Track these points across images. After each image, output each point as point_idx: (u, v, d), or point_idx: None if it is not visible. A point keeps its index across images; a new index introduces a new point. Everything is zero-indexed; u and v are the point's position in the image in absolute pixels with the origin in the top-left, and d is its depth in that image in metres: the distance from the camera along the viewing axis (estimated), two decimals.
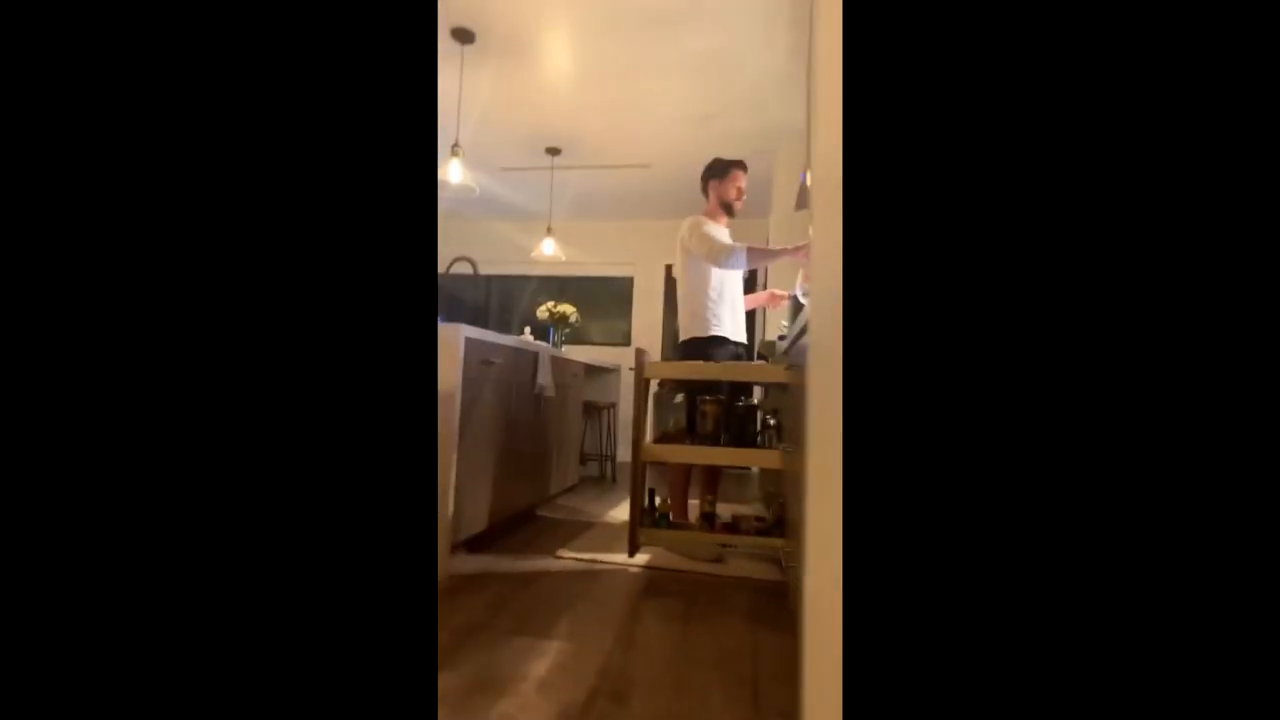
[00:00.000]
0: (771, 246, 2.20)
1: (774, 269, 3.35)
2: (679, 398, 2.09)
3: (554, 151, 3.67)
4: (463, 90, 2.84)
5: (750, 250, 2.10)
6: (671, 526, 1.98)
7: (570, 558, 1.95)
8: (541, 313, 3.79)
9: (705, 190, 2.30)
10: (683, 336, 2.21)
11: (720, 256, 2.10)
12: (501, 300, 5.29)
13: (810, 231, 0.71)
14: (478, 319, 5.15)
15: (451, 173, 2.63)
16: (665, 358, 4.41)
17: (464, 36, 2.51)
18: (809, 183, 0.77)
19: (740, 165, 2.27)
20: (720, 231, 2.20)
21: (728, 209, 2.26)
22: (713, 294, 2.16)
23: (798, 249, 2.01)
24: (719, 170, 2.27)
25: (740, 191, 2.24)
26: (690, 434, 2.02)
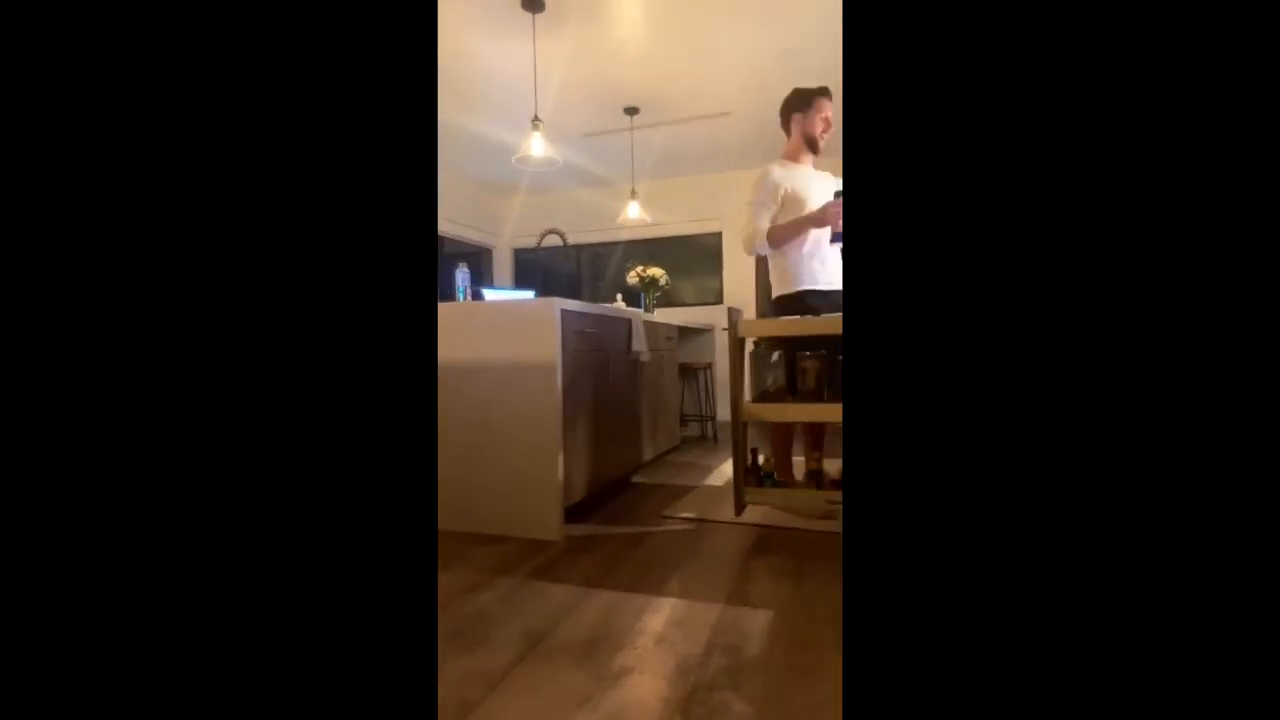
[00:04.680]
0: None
1: None
2: (775, 356, 2.03)
3: (632, 111, 3.61)
4: (537, 60, 2.85)
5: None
6: (777, 485, 1.96)
7: (677, 518, 1.99)
8: (631, 278, 3.81)
9: (786, 127, 2.10)
10: (775, 294, 2.12)
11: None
12: (592, 269, 5.37)
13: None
14: (571, 290, 5.27)
15: (534, 146, 2.66)
16: (760, 314, 4.29)
17: (534, 4, 2.49)
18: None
19: (825, 93, 2.03)
20: (799, 176, 2.03)
21: (813, 145, 2.05)
22: (800, 249, 2.01)
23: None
24: (801, 101, 2.05)
25: (828, 123, 2.02)
26: (791, 392, 1.97)
